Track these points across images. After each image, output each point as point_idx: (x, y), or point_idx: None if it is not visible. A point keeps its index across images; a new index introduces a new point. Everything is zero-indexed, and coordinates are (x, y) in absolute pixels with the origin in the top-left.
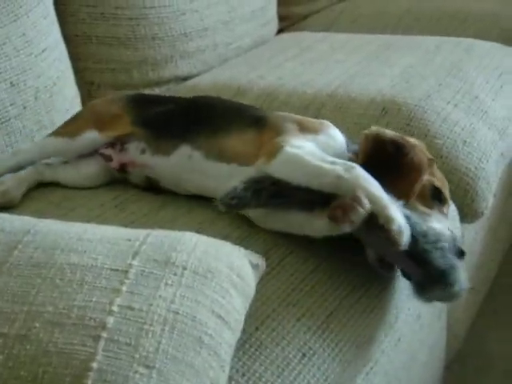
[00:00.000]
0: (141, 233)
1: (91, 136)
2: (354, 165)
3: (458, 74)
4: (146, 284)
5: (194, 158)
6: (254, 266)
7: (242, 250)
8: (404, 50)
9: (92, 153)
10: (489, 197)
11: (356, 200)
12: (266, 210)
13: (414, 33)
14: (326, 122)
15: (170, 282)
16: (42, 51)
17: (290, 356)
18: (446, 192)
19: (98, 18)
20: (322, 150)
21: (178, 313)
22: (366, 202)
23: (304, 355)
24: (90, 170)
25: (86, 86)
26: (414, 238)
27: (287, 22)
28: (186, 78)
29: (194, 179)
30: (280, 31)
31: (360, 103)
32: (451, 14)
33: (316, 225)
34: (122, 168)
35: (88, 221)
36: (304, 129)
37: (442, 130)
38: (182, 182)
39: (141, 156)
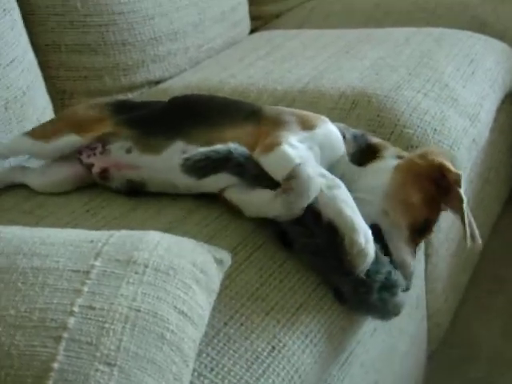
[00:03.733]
0: (104, 234)
1: (70, 139)
2: (340, 184)
3: (428, 64)
4: (107, 283)
5: (189, 152)
6: (219, 262)
7: (206, 246)
8: (374, 43)
9: (64, 158)
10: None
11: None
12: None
13: (385, 26)
14: (323, 118)
15: (131, 280)
16: (11, 62)
17: (259, 349)
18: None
19: (67, 26)
20: (318, 146)
21: (139, 310)
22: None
23: (273, 348)
24: (59, 176)
25: (59, 95)
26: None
27: (260, 22)
28: (158, 82)
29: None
30: (253, 31)
31: (330, 97)
32: (421, 6)
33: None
34: (103, 173)
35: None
36: (302, 123)
37: (412, 119)
38: (172, 181)
39: (127, 156)
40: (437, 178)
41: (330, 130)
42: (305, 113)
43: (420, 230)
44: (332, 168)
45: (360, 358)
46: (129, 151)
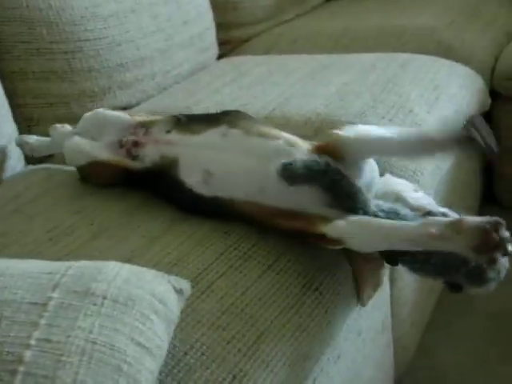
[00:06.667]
0: (62, 265)
1: (121, 115)
2: None
3: (393, 89)
4: (64, 316)
5: (231, 134)
6: (178, 292)
7: (166, 276)
8: (340, 68)
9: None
10: None
11: None
12: None
13: (352, 52)
14: None
15: (89, 312)
16: None
17: (220, 379)
18: None
19: (34, 53)
20: None
21: (95, 342)
22: None
23: (234, 377)
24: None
25: (26, 122)
26: None
27: (229, 47)
28: (125, 108)
29: (223, 157)
30: (222, 55)
31: (295, 124)
32: (388, 31)
33: None
34: (135, 145)
35: (21, 257)
36: None
37: None
38: (206, 161)
39: (165, 135)
40: None
41: None
42: None
43: None
44: None
45: None
46: (168, 132)
